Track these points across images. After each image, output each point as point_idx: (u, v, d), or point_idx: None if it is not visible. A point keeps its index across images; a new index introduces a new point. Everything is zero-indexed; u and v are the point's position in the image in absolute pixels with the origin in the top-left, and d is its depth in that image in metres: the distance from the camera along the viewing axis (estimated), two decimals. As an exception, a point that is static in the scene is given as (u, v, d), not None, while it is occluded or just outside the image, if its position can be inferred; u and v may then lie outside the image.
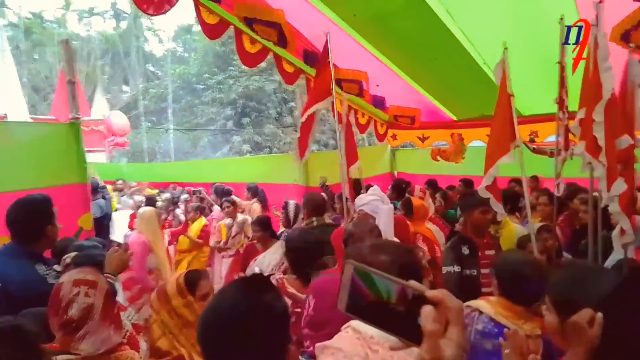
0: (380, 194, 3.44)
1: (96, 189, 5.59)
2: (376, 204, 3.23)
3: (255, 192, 6.93)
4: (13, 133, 3.78)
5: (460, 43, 4.67)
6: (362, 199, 3.39)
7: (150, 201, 6.62)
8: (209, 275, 5.21)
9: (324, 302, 2.09)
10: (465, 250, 3.02)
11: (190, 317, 1.74)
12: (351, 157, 4.64)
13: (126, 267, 2.43)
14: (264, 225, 4.33)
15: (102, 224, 5.29)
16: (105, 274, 2.37)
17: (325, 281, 2.23)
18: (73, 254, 2.75)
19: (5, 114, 8.64)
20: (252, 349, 1.13)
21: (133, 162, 18.91)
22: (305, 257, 2.72)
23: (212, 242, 6.11)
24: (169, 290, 1.82)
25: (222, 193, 6.44)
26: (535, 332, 1.84)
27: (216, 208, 6.57)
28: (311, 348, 1.98)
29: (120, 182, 8.38)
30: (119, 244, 2.48)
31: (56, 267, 2.88)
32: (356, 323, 1.29)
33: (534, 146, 6.47)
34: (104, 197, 5.66)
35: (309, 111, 4.27)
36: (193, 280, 1.84)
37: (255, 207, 6.61)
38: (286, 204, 4.95)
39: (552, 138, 6.30)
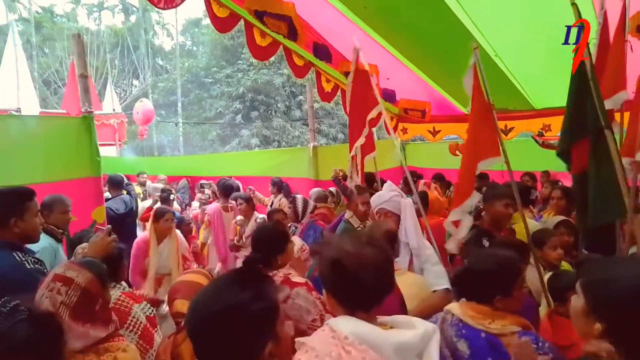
0: (398, 189, 3.17)
1: (121, 184, 5.52)
2: (398, 200, 2.96)
3: (280, 186, 6.77)
4: (26, 127, 3.81)
5: (472, 35, 4.61)
6: (382, 196, 3.07)
7: (165, 193, 6.63)
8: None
9: None
10: (486, 243, 2.91)
11: None
12: (367, 147, 4.68)
13: (107, 252, 2.45)
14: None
15: (125, 220, 5.16)
16: (87, 257, 2.39)
17: None
18: (85, 244, 2.78)
19: (19, 108, 8.72)
20: (223, 346, 1.15)
21: (142, 156, 19.00)
22: None
23: (202, 237, 5.95)
24: None
25: (224, 188, 6.16)
26: (508, 329, 1.78)
27: (212, 204, 6.38)
28: None
29: (144, 175, 8.33)
30: (101, 230, 2.52)
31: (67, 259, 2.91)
32: (334, 322, 1.30)
33: (542, 140, 6.40)
34: (129, 193, 5.55)
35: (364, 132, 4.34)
36: None
37: (283, 201, 6.42)
38: (294, 198, 4.93)
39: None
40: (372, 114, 4.21)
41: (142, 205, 6.43)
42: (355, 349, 1.20)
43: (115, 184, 5.47)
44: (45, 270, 2.39)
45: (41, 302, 1.60)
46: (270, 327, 1.20)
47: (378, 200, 3.08)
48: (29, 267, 2.27)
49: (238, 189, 6.29)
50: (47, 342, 1.22)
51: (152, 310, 2.51)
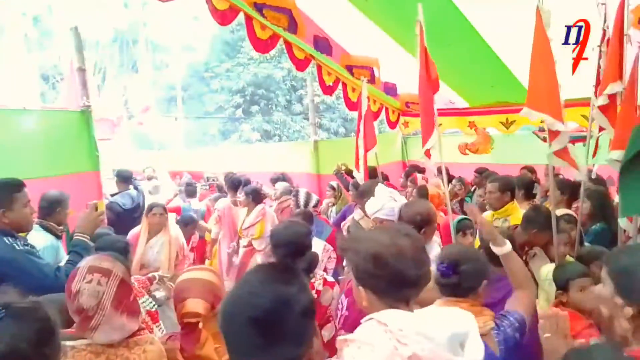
0: (390, 191, 3.10)
1: (129, 179, 5.49)
2: (390, 206, 2.90)
3: (281, 179, 6.57)
4: (24, 121, 3.78)
5: (474, 28, 4.57)
6: (373, 205, 2.99)
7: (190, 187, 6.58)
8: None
9: None
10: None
11: None
12: (369, 142, 4.64)
13: (96, 227, 2.54)
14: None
15: (133, 215, 5.10)
16: (76, 233, 2.47)
17: None
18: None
19: (24, 107, 8.68)
20: (272, 343, 1.09)
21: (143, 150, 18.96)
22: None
23: (213, 233, 5.78)
24: None
25: (232, 182, 6.06)
26: (488, 327, 1.71)
27: (221, 199, 6.24)
28: None
29: (150, 169, 8.25)
30: (88, 205, 2.56)
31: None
32: (380, 316, 1.25)
33: (545, 135, 6.34)
34: (135, 188, 5.51)
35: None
36: None
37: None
38: (297, 192, 4.92)
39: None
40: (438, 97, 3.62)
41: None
42: (411, 340, 1.17)
43: (123, 179, 5.43)
44: (35, 250, 2.42)
45: (80, 294, 1.60)
46: (314, 321, 1.17)
47: (372, 209, 3.01)
48: (18, 248, 2.33)
49: (247, 183, 6.11)
50: (34, 339, 1.14)
51: (154, 305, 2.51)
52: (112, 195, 5.32)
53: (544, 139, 6.25)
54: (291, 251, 2.28)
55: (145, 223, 4.08)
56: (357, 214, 3.93)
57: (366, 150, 4.75)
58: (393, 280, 1.31)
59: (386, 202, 2.93)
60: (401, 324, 1.20)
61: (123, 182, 5.40)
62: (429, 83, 3.52)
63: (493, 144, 6.95)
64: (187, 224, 5.19)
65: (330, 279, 2.51)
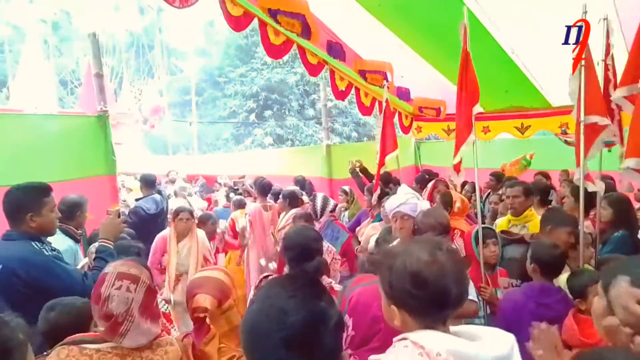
0: (412, 191, 3.06)
1: (153, 184, 5.46)
2: (414, 202, 2.84)
3: (302, 184, 6.60)
4: (43, 125, 3.85)
5: (487, 31, 4.54)
6: (397, 199, 2.90)
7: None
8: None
9: (364, 317, 1.91)
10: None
11: None
12: (389, 146, 4.64)
13: (119, 233, 2.58)
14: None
15: (157, 220, 5.12)
16: (100, 239, 2.50)
17: (360, 294, 1.99)
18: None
19: (43, 112, 8.84)
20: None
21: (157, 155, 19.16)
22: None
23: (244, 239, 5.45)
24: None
25: (262, 187, 5.70)
26: None
27: (250, 204, 6.15)
28: None
29: (173, 172, 8.24)
30: (109, 212, 2.60)
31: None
32: (417, 337, 1.17)
33: (566, 139, 6.27)
34: (159, 193, 5.47)
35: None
36: None
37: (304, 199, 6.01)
38: (314, 196, 4.90)
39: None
40: (477, 109, 3.46)
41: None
42: None
43: (148, 183, 5.42)
44: (61, 256, 2.45)
45: (110, 300, 1.62)
46: (341, 337, 1.10)
47: (393, 203, 2.93)
48: (47, 253, 2.35)
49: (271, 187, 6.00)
50: None
51: (167, 307, 2.54)
52: (136, 200, 5.36)
53: (566, 142, 6.22)
54: (298, 254, 2.28)
55: (173, 227, 4.09)
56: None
57: (384, 155, 4.77)
58: (434, 300, 1.20)
59: (410, 198, 2.88)
60: (439, 347, 1.12)
61: (148, 187, 5.39)
62: (469, 92, 3.42)
63: (523, 171, 6.82)
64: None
65: (337, 287, 2.45)
